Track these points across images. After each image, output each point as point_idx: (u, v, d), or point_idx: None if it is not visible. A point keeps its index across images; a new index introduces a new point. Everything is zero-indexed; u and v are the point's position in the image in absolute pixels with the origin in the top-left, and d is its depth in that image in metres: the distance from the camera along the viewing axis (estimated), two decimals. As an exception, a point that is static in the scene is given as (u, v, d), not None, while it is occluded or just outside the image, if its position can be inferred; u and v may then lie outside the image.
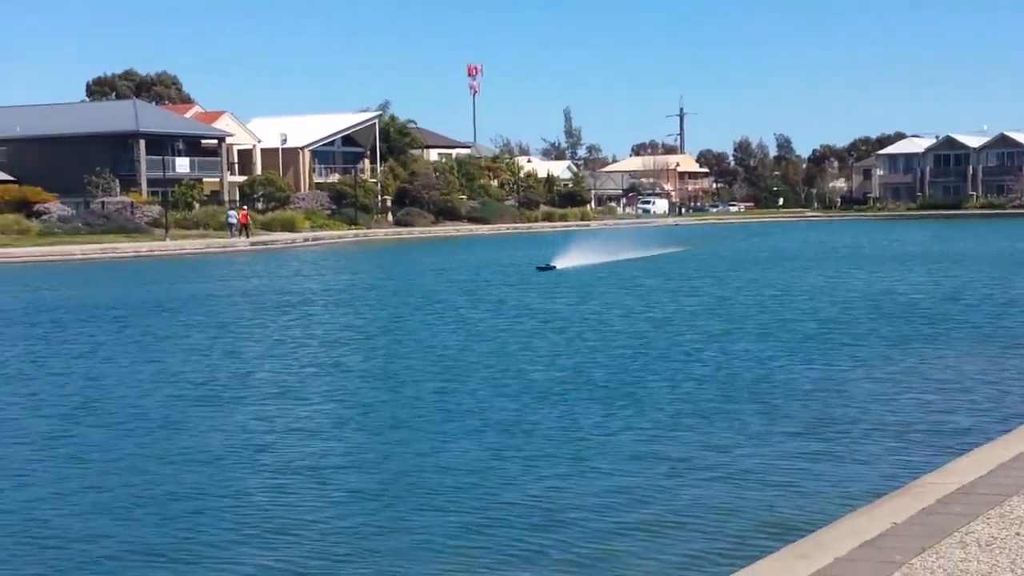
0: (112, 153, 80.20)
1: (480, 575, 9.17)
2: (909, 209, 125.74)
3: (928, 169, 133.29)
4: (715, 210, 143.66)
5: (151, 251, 62.14)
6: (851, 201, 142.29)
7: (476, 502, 11.10)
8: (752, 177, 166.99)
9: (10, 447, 13.91)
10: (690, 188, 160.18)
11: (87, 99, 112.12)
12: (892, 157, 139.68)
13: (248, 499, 11.42)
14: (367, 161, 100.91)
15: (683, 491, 11.33)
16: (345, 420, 15.18)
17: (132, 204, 74.18)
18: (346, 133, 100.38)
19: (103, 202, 73.93)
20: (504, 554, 9.61)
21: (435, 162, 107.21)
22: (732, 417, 14.69)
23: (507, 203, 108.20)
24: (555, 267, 44.59)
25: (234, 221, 71.92)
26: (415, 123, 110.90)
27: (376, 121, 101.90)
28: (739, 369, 18.66)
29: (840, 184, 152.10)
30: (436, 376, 18.53)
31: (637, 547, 9.70)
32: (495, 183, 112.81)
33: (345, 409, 15.96)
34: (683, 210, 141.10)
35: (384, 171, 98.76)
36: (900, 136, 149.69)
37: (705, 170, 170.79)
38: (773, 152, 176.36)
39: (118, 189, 77.80)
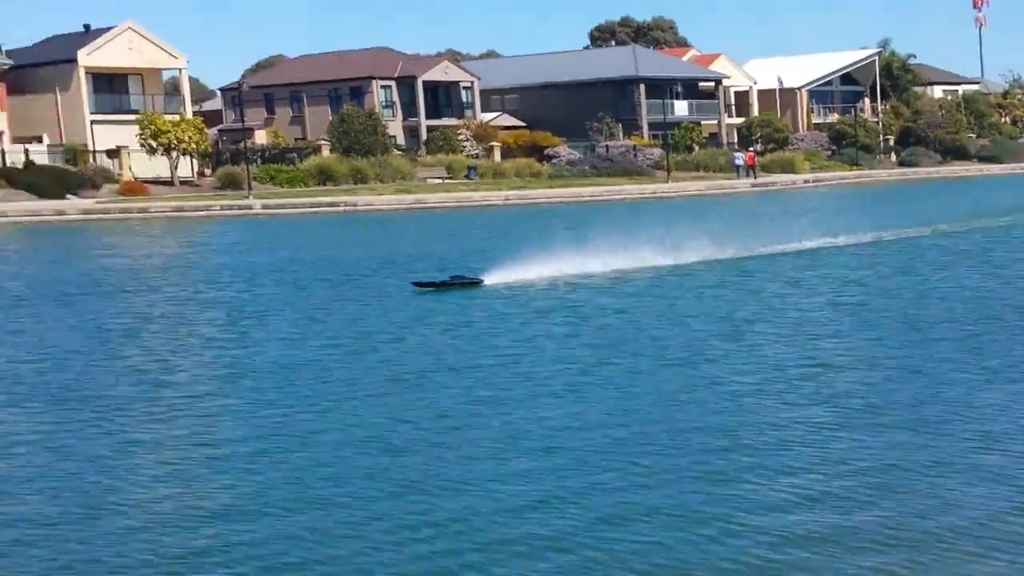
0: (613, 98, 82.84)
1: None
2: None
3: None
4: None
5: (654, 193, 63.80)
6: None
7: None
8: None
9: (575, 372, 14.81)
10: None
11: (589, 46, 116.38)
12: None
13: (785, 431, 11.54)
14: (867, 100, 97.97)
15: None
16: (874, 359, 14.92)
17: (635, 147, 76.41)
18: (844, 72, 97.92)
19: (607, 146, 76.64)
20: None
21: (939, 99, 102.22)
22: None
23: (1022, 141, 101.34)
24: (482, 281, 24.46)
25: (741, 163, 72.26)
26: (916, 59, 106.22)
27: (876, 58, 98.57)
28: None
29: None
30: (961, 328, 17.81)
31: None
32: (1007, 120, 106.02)
33: (871, 346, 15.70)
34: None
35: (886, 110, 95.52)
36: None
37: None
38: None
39: (620, 133, 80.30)
